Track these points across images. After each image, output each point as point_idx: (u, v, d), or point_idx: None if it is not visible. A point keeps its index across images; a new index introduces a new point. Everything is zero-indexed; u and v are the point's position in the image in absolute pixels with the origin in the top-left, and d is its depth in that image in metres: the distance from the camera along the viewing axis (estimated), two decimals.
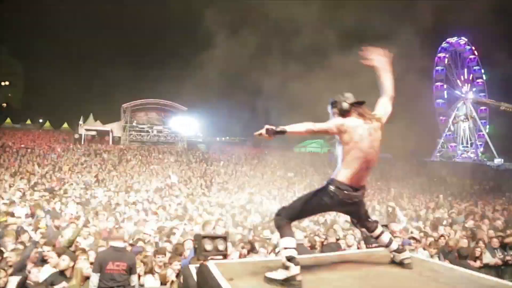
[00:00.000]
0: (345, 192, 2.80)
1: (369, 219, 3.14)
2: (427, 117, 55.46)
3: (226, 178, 23.38)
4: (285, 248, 2.68)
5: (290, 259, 2.62)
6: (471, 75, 55.20)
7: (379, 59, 3.12)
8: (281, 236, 2.77)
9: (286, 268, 2.61)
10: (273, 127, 2.65)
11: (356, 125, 2.81)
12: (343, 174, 2.82)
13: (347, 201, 2.84)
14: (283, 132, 2.68)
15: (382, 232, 3.11)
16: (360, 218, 3.13)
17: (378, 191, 22.41)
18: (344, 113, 2.90)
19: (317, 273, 2.94)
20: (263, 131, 2.66)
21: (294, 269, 2.59)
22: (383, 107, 3.07)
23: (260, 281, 2.67)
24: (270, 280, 2.62)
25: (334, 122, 2.85)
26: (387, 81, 3.11)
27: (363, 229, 3.17)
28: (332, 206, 2.93)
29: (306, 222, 10.00)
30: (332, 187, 2.81)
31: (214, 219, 9.61)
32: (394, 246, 3.09)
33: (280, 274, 2.61)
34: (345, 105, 2.89)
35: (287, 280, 2.57)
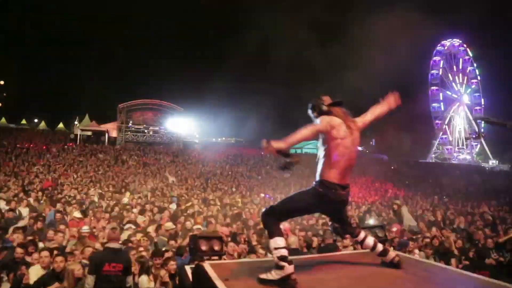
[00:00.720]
0: (334, 191, 2.83)
1: (352, 225, 3.21)
2: (422, 119, 55.83)
3: (222, 179, 23.35)
4: (276, 248, 2.66)
5: (282, 258, 2.60)
6: (466, 76, 55.53)
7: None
8: (270, 236, 2.75)
9: (280, 268, 2.59)
10: (275, 146, 2.66)
11: (339, 122, 2.89)
12: (330, 173, 2.85)
13: (336, 199, 2.87)
14: (285, 152, 2.75)
15: (366, 236, 3.15)
16: (343, 221, 3.15)
17: (374, 191, 22.48)
18: (323, 115, 2.97)
19: (313, 273, 2.95)
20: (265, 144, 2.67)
21: (289, 269, 2.57)
22: (368, 114, 3.23)
23: (256, 282, 2.67)
24: (264, 282, 2.61)
25: (323, 120, 2.89)
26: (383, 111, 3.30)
27: (347, 235, 3.18)
28: (320, 206, 2.97)
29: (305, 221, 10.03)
30: (321, 188, 2.84)
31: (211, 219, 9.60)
32: (379, 248, 3.11)
33: (275, 275, 2.60)
34: (324, 107, 3.00)
35: (282, 280, 2.56)
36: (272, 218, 2.84)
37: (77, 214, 9.48)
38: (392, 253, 3.11)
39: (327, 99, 3.06)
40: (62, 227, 7.55)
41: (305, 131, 2.82)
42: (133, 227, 8.44)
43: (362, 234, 3.14)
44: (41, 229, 7.58)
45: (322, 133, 2.90)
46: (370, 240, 3.13)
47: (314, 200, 2.86)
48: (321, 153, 2.94)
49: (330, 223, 3.27)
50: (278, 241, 2.69)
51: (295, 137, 2.75)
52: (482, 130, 45.29)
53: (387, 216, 12.68)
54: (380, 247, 3.12)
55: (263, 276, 2.64)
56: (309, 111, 3.14)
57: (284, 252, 2.64)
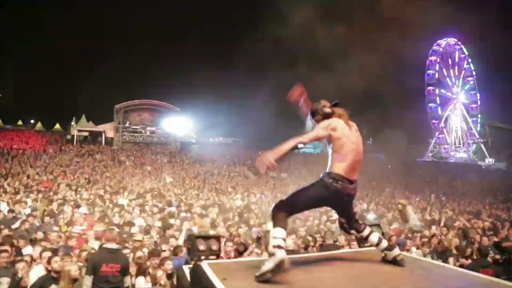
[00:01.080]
0: (341, 183, 2.89)
1: (358, 221, 3.22)
2: (419, 118, 55.92)
3: (219, 179, 23.34)
4: (275, 238, 2.73)
5: (277, 247, 2.68)
6: (462, 74, 55.67)
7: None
8: (274, 226, 2.85)
9: (273, 255, 2.65)
10: (269, 160, 2.75)
11: (341, 122, 2.99)
12: (338, 167, 2.92)
13: (343, 192, 2.92)
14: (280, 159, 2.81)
15: (371, 232, 3.19)
16: (350, 217, 3.20)
17: (371, 190, 22.52)
18: (328, 117, 3.05)
19: (310, 272, 2.95)
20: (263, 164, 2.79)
21: (280, 253, 2.64)
22: None
23: (253, 281, 2.68)
24: (259, 277, 2.63)
25: (321, 125, 2.98)
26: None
27: (352, 231, 3.20)
28: (328, 199, 2.98)
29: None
30: (329, 179, 2.90)
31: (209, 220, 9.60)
32: (384, 244, 3.15)
33: (268, 264, 2.63)
34: (327, 110, 3.08)
35: (275, 267, 2.61)
36: (282, 212, 2.90)
37: (84, 209, 9.36)
38: (396, 250, 3.16)
39: (326, 102, 3.14)
40: (55, 228, 7.55)
41: (302, 139, 2.91)
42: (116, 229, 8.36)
43: (367, 230, 3.19)
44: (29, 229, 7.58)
45: (323, 138, 2.99)
46: (375, 237, 3.17)
47: (321, 192, 2.92)
48: (330, 150, 3.02)
49: (337, 218, 3.33)
50: (278, 231, 2.76)
51: (290, 145, 2.85)
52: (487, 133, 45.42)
53: (384, 214, 12.74)
54: (385, 243, 3.17)
55: (257, 272, 2.66)
56: (309, 118, 3.22)
57: (281, 242, 2.70)
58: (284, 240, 2.75)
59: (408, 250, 6.81)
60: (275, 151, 2.78)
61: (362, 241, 3.33)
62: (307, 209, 3.39)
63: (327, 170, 2.97)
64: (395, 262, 3.11)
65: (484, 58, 51.09)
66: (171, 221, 9.32)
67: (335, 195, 2.92)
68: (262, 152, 2.82)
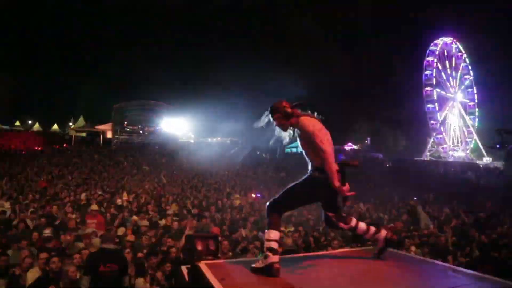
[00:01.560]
0: (323, 173, 2.96)
1: (343, 215, 3.30)
2: (417, 118, 56.02)
3: (217, 179, 23.30)
4: (268, 240, 2.93)
5: (270, 250, 2.85)
6: (459, 73, 55.76)
7: None
8: (268, 228, 2.99)
9: (266, 257, 2.84)
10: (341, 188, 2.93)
11: (315, 120, 3.10)
12: (319, 160, 2.99)
13: (327, 181, 2.97)
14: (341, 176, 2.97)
15: (358, 222, 3.31)
16: (335, 209, 3.23)
17: (370, 190, 22.52)
18: (288, 116, 3.12)
19: (307, 272, 2.97)
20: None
21: (272, 258, 2.81)
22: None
23: (252, 281, 2.71)
24: (254, 270, 2.88)
25: (317, 129, 3.00)
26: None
27: (341, 224, 3.24)
28: (319, 192, 3.08)
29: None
30: (316, 173, 3.03)
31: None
32: (372, 230, 3.28)
33: (261, 263, 2.86)
34: (288, 110, 3.12)
35: (265, 268, 2.81)
36: (275, 211, 3.05)
37: (94, 206, 9.36)
38: (383, 231, 3.29)
39: (286, 103, 3.17)
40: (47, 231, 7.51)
41: (329, 148, 2.95)
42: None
43: (354, 221, 3.29)
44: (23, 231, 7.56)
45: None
46: (362, 225, 3.30)
47: (312, 186, 3.05)
48: (309, 148, 3.09)
49: (323, 216, 3.33)
50: (271, 234, 2.95)
51: (330, 160, 2.91)
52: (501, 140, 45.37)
53: (381, 215, 12.77)
54: (372, 228, 3.30)
55: (253, 265, 2.92)
56: (268, 116, 3.23)
57: (274, 245, 2.89)
58: (277, 241, 2.93)
59: (407, 249, 6.82)
60: (332, 180, 2.88)
61: (353, 232, 3.39)
62: (300, 206, 3.53)
63: (314, 165, 3.06)
64: (388, 243, 3.24)
65: (481, 55, 51.27)
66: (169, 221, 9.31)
67: (325, 186, 2.98)
68: (335, 189, 2.94)
